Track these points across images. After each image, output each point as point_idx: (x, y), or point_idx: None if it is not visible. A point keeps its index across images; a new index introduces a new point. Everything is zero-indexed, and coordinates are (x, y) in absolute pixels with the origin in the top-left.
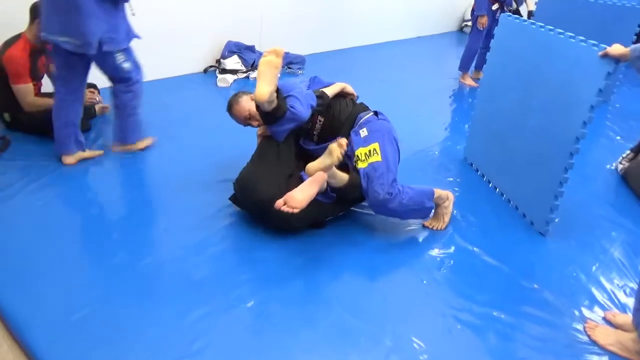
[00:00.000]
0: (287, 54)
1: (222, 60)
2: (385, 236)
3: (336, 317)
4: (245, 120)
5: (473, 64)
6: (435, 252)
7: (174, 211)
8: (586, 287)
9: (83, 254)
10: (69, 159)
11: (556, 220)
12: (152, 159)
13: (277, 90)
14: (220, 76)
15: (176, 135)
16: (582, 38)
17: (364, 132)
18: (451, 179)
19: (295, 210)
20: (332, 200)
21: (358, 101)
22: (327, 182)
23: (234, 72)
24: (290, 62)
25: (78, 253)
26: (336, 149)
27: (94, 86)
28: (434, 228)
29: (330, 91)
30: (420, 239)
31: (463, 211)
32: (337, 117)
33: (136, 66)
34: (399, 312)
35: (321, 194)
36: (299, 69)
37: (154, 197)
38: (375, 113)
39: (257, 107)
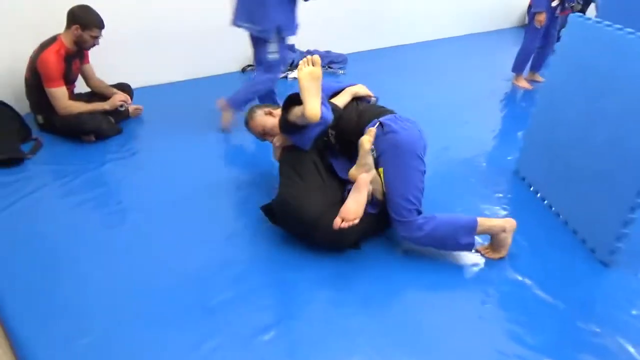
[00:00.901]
0: (328, 52)
1: None
2: (424, 260)
3: (362, 356)
4: (261, 136)
5: (528, 65)
6: (480, 281)
7: (197, 224)
8: None
9: (101, 269)
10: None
11: (622, 248)
12: (181, 162)
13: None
14: None
15: (207, 137)
16: None
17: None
18: (500, 195)
19: (356, 221)
20: (378, 210)
21: (379, 102)
22: (371, 191)
23: None
24: (331, 62)
25: (96, 267)
26: (365, 140)
27: (127, 87)
28: (488, 256)
29: (340, 101)
30: (464, 265)
31: (513, 233)
32: (348, 126)
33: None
34: (435, 355)
35: (367, 203)
36: (340, 68)
37: (178, 207)
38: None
39: (284, 119)
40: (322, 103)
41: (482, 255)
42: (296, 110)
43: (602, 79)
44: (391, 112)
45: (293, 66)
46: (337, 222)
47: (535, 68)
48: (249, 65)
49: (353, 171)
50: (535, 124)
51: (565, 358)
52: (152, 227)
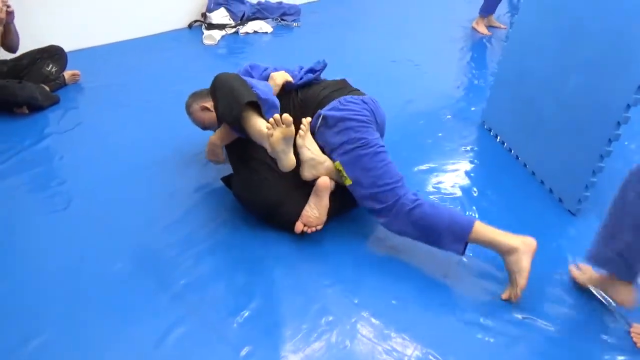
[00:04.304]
0: (280, 4)
1: (208, 14)
2: None
3: (342, 328)
4: (202, 129)
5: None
6: None
7: (151, 201)
8: None
9: (47, 259)
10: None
11: (589, 197)
12: (129, 133)
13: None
14: (206, 32)
15: (156, 104)
16: None
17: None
18: (467, 148)
19: (319, 228)
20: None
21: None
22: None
23: (221, 27)
24: (284, 14)
25: (41, 258)
26: (297, 138)
27: (60, 50)
28: (510, 299)
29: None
30: None
31: (481, 186)
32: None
33: None
34: (411, 320)
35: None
36: (294, 21)
37: (129, 184)
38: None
39: (237, 122)
40: (258, 90)
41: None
42: (255, 127)
43: (574, 26)
44: (337, 90)
45: (243, 21)
46: (299, 227)
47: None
48: (196, 21)
49: (302, 171)
50: (503, 74)
51: (539, 310)
52: (101, 208)
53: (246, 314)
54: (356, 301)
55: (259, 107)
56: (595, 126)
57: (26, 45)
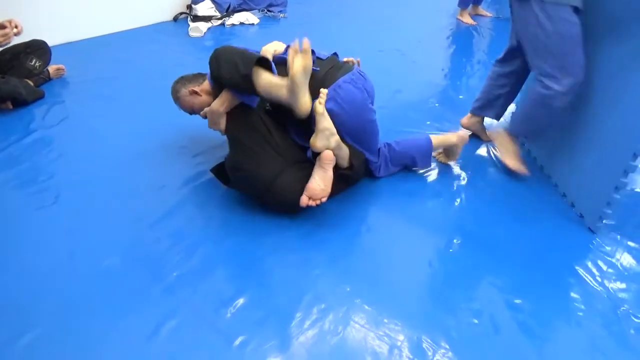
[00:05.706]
0: None
1: (193, 5)
2: (390, 210)
3: (334, 316)
4: (190, 113)
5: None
6: (440, 227)
7: (140, 192)
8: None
9: (37, 255)
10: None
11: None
12: (115, 127)
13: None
14: (192, 24)
15: (142, 98)
16: None
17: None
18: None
19: (324, 200)
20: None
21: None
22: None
23: (207, 19)
24: (270, 5)
25: (31, 254)
26: (317, 104)
27: (43, 44)
28: (441, 161)
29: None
30: (427, 210)
31: (471, 172)
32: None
33: None
34: (403, 307)
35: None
36: (280, 12)
37: (116, 178)
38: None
39: (244, 79)
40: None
41: (436, 159)
42: (268, 78)
43: (602, 28)
44: (334, 67)
45: (229, 12)
46: (304, 200)
47: (477, 1)
48: (181, 13)
49: (315, 140)
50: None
51: (556, 329)
52: (89, 202)
53: (239, 304)
54: (348, 289)
55: (266, 67)
56: (620, 139)
57: None
